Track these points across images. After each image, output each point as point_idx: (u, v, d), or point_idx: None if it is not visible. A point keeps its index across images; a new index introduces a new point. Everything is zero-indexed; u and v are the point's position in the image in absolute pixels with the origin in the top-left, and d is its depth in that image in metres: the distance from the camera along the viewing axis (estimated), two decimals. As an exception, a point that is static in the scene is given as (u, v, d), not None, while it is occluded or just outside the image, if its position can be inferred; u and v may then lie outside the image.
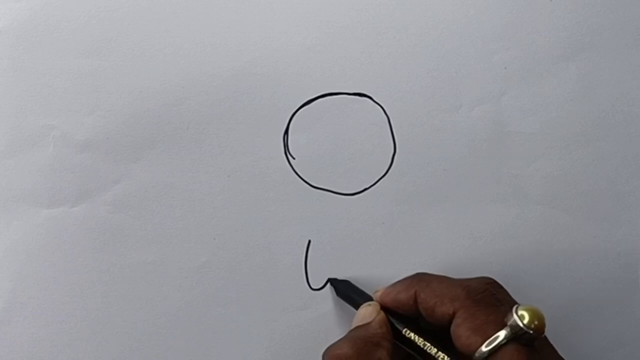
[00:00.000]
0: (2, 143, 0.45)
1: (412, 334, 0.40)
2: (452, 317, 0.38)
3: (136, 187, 0.45)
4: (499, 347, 0.36)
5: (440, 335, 0.39)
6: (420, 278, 0.41)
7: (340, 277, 0.45)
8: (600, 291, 0.45)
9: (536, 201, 0.45)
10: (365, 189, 0.45)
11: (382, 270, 0.45)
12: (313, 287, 0.45)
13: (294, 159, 0.45)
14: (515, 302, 0.39)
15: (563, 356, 0.38)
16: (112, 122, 0.45)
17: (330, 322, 0.45)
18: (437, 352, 0.38)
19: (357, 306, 0.43)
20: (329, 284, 0.45)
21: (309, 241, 0.45)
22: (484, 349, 0.36)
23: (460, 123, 0.46)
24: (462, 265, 0.45)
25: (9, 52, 0.45)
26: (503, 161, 0.46)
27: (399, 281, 0.42)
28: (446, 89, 0.46)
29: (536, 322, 0.36)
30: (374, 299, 0.42)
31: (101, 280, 0.45)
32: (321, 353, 0.39)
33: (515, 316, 0.36)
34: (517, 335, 0.36)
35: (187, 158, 0.45)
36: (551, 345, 0.38)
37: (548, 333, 0.37)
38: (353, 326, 0.41)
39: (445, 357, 0.38)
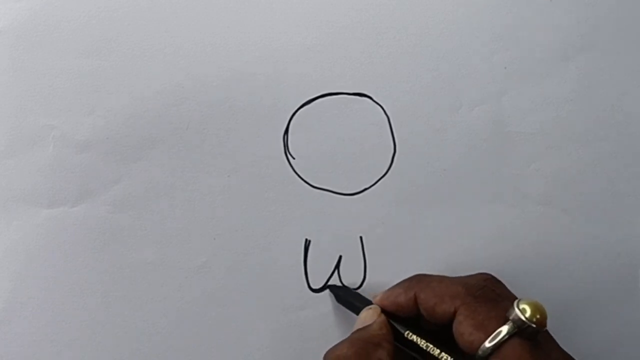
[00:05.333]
0: (2, 143, 0.45)
1: (414, 336, 0.40)
2: (453, 315, 0.38)
3: (136, 187, 0.45)
4: (502, 342, 0.36)
5: (442, 336, 0.39)
6: (419, 279, 0.41)
7: (341, 278, 0.45)
8: (600, 291, 0.45)
9: (536, 201, 0.45)
10: (365, 189, 0.45)
11: (382, 270, 0.45)
12: (313, 287, 0.45)
13: (294, 159, 0.45)
14: (515, 297, 0.39)
15: (563, 356, 0.38)
16: (112, 122, 0.45)
17: (330, 322, 0.45)
18: (440, 353, 0.38)
19: (357, 311, 0.42)
20: (328, 289, 0.45)
21: (309, 241, 0.45)
22: (487, 344, 0.36)
23: (460, 123, 0.46)
24: (462, 265, 0.45)
25: (9, 52, 0.45)
26: (503, 161, 0.46)
27: (397, 284, 0.42)
28: (446, 89, 0.46)
29: (538, 316, 0.36)
30: (374, 302, 0.42)
31: (101, 280, 0.45)
32: (321, 353, 0.39)
33: (517, 310, 0.36)
34: (520, 330, 0.36)
35: (187, 158, 0.45)
36: (553, 339, 0.38)
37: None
38: (354, 330, 0.41)
39: (449, 357, 0.38)
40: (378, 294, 0.42)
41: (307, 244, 0.45)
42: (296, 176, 0.45)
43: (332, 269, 0.45)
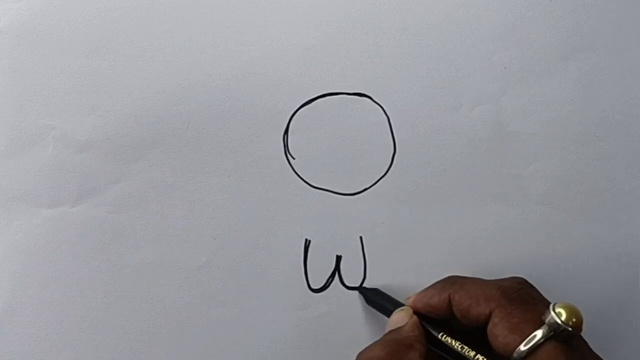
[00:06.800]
0: (2, 143, 0.45)
1: (448, 338, 0.39)
2: (487, 317, 0.38)
3: (136, 187, 0.45)
4: (537, 345, 0.36)
5: (475, 338, 0.39)
6: (453, 281, 0.41)
7: (341, 278, 0.45)
8: (600, 291, 0.45)
9: (536, 201, 0.45)
10: (365, 189, 0.45)
11: (382, 270, 0.45)
12: (313, 287, 0.45)
13: (294, 159, 0.45)
14: (548, 301, 0.39)
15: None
16: (112, 122, 0.45)
17: (330, 322, 0.45)
18: (475, 355, 0.38)
19: (388, 313, 0.42)
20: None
21: (309, 241, 0.45)
22: (522, 347, 0.36)
23: (460, 123, 0.46)
24: (462, 266, 0.45)
25: (9, 52, 0.45)
26: (503, 161, 0.46)
27: (430, 286, 0.42)
28: (446, 89, 0.46)
29: (574, 319, 0.36)
30: (406, 304, 0.42)
31: (101, 280, 0.45)
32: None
33: (553, 313, 0.36)
34: (555, 333, 0.36)
35: (187, 158, 0.45)
36: (587, 344, 0.38)
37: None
38: (386, 332, 0.41)
39: (484, 359, 0.38)
40: (411, 297, 0.42)
41: (307, 244, 0.45)
42: (296, 176, 0.45)
43: (332, 269, 0.45)
